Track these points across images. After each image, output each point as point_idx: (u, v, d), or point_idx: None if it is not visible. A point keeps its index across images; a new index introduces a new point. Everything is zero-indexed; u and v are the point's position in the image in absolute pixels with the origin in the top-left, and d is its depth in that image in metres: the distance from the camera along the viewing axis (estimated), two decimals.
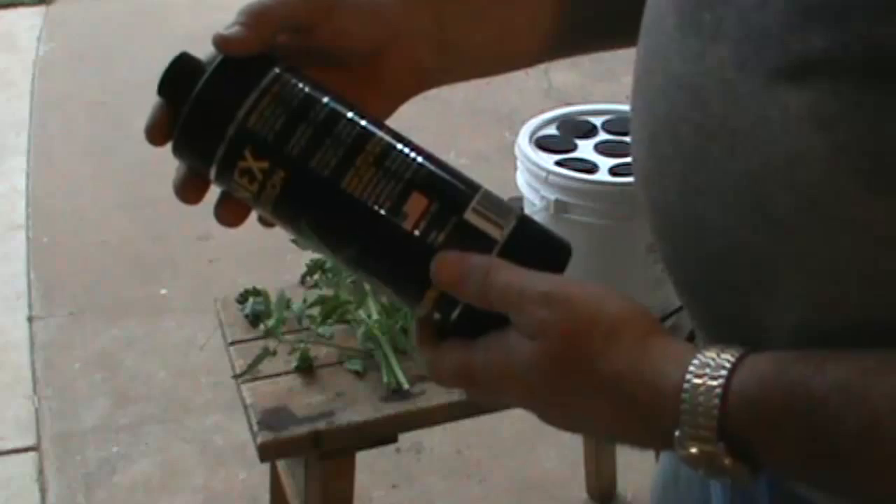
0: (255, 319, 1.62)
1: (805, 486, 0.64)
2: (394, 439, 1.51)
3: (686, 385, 0.56)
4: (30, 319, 2.80)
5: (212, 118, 0.64)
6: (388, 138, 0.65)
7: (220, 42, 0.65)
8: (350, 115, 0.65)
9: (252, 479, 2.24)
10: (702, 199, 0.61)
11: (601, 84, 3.65)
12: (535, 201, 1.44)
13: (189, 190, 0.67)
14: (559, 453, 2.31)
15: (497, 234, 0.63)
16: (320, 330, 1.57)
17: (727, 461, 0.56)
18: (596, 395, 0.59)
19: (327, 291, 1.64)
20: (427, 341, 0.66)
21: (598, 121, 1.57)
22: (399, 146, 0.65)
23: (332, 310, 1.59)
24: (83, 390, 2.55)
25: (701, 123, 0.59)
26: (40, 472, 2.32)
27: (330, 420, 1.44)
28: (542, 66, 0.82)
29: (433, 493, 2.27)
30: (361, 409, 1.46)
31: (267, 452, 1.44)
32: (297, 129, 0.64)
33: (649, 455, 0.75)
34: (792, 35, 0.54)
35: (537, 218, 1.49)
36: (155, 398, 2.52)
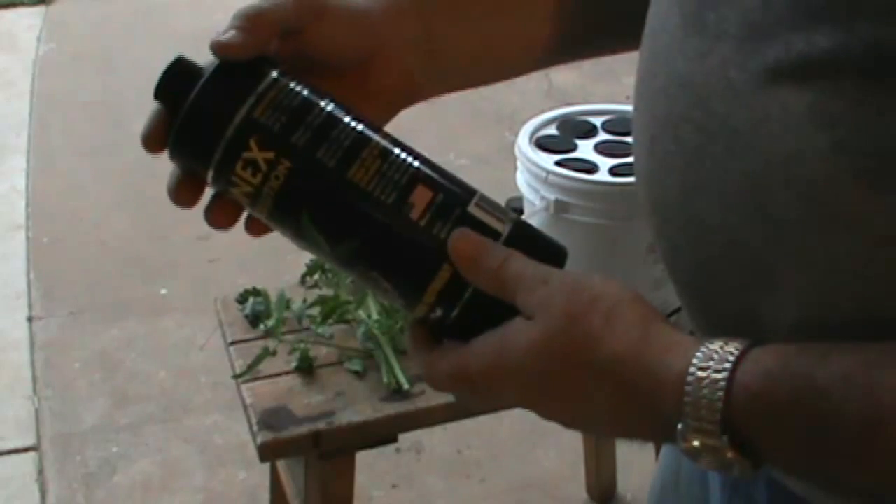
0: (255, 319, 1.62)
1: (804, 484, 0.64)
2: (394, 439, 1.51)
3: (689, 377, 0.56)
4: (30, 319, 2.80)
5: (215, 110, 0.64)
6: (386, 140, 0.66)
7: (218, 47, 0.65)
8: (354, 112, 0.66)
9: (252, 479, 2.24)
10: (702, 197, 0.61)
11: (601, 84, 3.65)
12: (535, 201, 1.44)
13: (184, 192, 0.67)
14: (559, 453, 2.32)
15: (500, 227, 0.64)
16: (320, 330, 1.57)
17: (730, 454, 0.56)
18: (594, 378, 0.59)
19: (327, 291, 1.64)
20: (421, 345, 0.66)
21: (598, 121, 1.57)
22: (398, 149, 0.65)
23: (332, 310, 1.59)
24: (83, 390, 2.55)
25: (702, 123, 0.60)
26: (40, 472, 2.32)
27: (330, 420, 1.44)
28: None
29: (433, 493, 2.27)
30: (361, 409, 1.46)
31: (267, 452, 1.44)
32: (304, 119, 0.64)
33: (649, 455, 0.75)
34: (794, 34, 0.54)
35: (537, 218, 1.49)
36: (155, 398, 2.53)
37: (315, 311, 1.60)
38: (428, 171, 0.65)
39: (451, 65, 0.74)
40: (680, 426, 0.57)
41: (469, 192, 0.65)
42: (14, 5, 4.84)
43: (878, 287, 0.55)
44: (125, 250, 3.08)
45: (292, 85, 0.65)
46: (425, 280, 0.63)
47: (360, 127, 0.65)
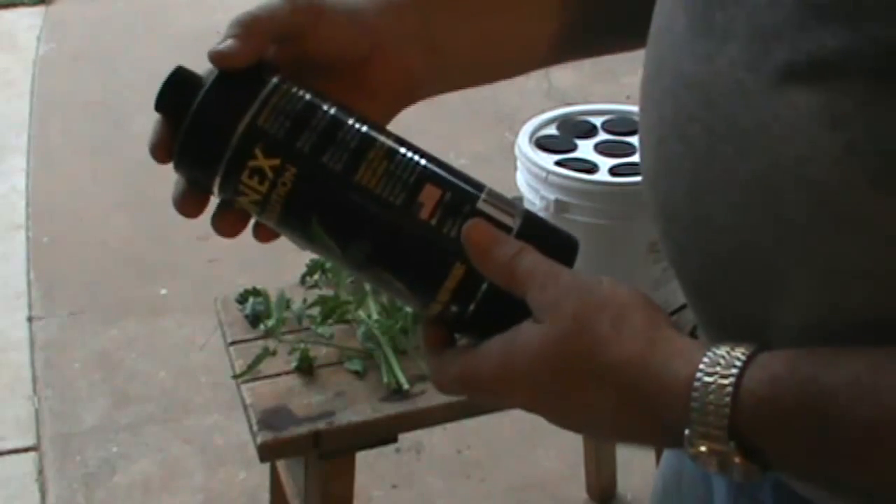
0: (254, 319, 1.62)
1: (811, 487, 0.64)
2: (394, 439, 1.51)
3: (696, 383, 0.56)
4: (30, 319, 2.80)
5: (217, 121, 0.64)
6: (392, 139, 0.66)
7: (216, 57, 0.64)
8: (357, 113, 0.66)
9: (252, 479, 2.24)
10: (710, 198, 0.61)
11: (601, 84, 3.65)
12: (535, 201, 1.44)
13: (190, 203, 0.66)
14: (559, 453, 2.31)
15: (511, 221, 0.64)
16: (320, 330, 1.57)
17: (737, 459, 0.56)
18: (600, 382, 0.59)
19: (327, 291, 1.64)
20: (434, 344, 0.65)
21: (598, 121, 1.57)
22: (403, 148, 0.65)
23: (332, 310, 1.59)
24: (83, 390, 2.55)
25: (710, 123, 0.59)
26: (40, 472, 2.32)
27: (330, 420, 1.44)
28: None
29: (433, 493, 2.27)
30: (361, 409, 1.46)
31: (267, 452, 1.44)
32: (308, 124, 0.64)
33: (649, 455, 0.75)
34: (803, 35, 0.54)
35: None
36: (155, 398, 2.53)
37: (315, 311, 1.60)
38: (435, 168, 0.65)
39: (451, 62, 0.74)
40: (687, 432, 0.57)
41: (478, 187, 0.65)
42: (14, 5, 4.84)
43: (887, 289, 0.55)
44: (125, 250, 3.08)
45: (294, 90, 0.65)
46: (439, 279, 0.63)
47: (364, 128, 0.65)
